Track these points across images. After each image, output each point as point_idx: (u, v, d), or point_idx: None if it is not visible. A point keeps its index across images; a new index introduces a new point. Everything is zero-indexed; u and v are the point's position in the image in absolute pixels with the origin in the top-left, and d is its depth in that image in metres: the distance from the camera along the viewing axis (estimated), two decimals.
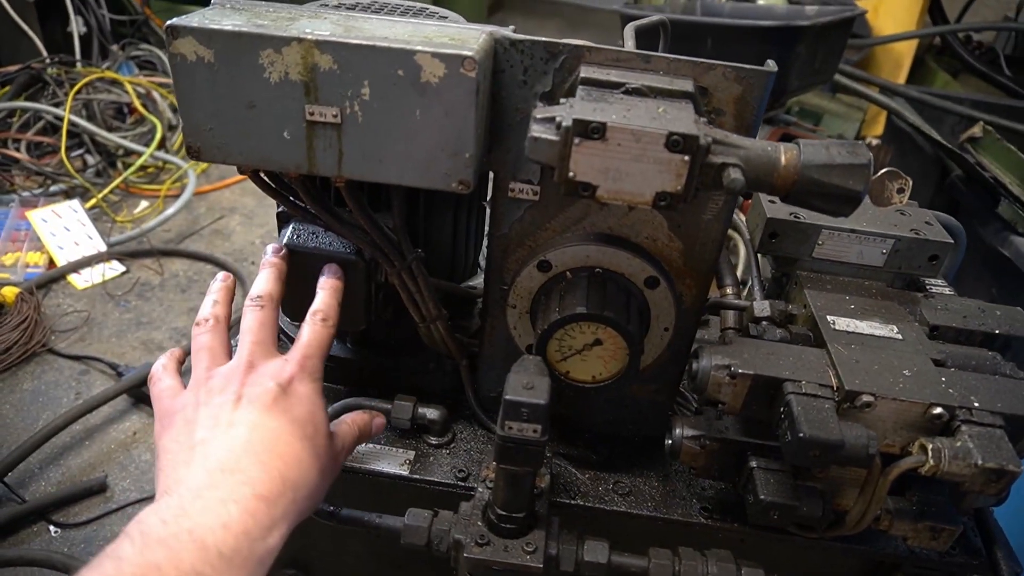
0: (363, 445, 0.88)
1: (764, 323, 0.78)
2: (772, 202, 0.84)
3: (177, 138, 2.61)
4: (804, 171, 0.60)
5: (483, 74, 0.63)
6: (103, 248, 2.05)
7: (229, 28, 0.62)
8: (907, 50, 3.29)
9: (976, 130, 1.96)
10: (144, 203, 2.33)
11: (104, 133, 2.44)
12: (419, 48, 0.61)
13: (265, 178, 0.74)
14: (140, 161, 2.36)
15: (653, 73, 0.66)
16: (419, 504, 0.79)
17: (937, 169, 2.17)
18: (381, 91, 0.63)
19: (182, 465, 0.60)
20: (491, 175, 0.77)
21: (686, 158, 0.58)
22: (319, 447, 0.66)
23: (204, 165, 2.57)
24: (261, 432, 0.62)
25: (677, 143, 0.58)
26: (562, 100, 0.64)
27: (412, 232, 0.86)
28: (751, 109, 0.67)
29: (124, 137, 2.49)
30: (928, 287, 0.86)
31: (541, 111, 0.62)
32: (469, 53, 0.60)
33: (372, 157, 0.66)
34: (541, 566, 0.70)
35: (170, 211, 2.16)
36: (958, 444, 0.63)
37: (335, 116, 0.64)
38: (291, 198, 0.76)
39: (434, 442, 0.88)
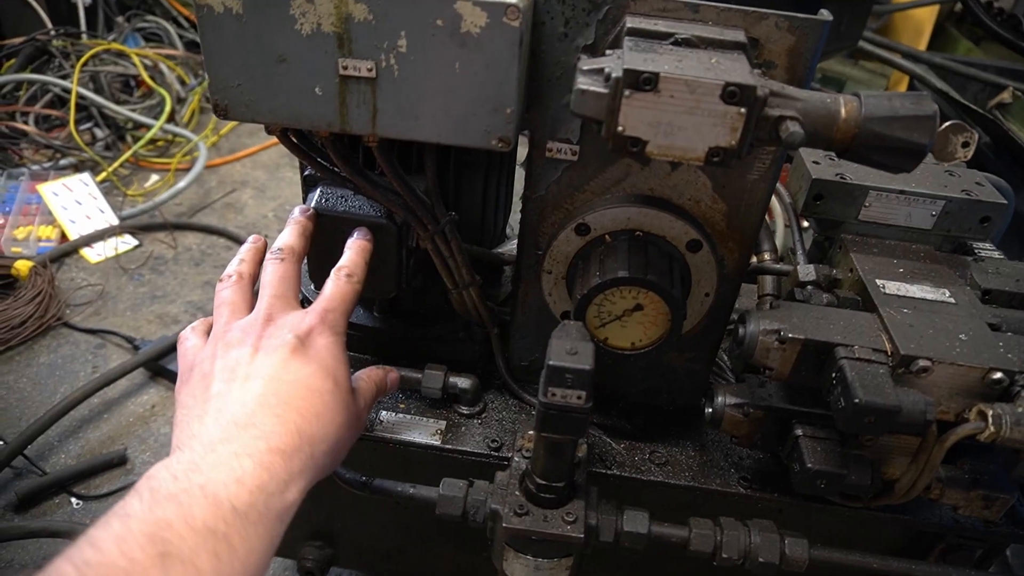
0: (393, 415, 0.86)
1: (809, 288, 0.76)
2: (816, 163, 0.80)
3: (186, 111, 2.57)
4: (865, 124, 0.57)
5: (526, 24, 0.59)
6: (115, 222, 2.03)
7: None
8: (928, 17, 3.21)
9: (1006, 96, 1.92)
10: (155, 177, 2.30)
11: (112, 106, 2.40)
12: None
13: (293, 138, 0.71)
14: (150, 134, 2.32)
15: (702, 23, 0.63)
16: (450, 474, 0.77)
17: None
18: (419, 43, 0.60)
19: (196, 419, 0.58)
20: (525, 136, 0.74)
21: (742, 110, 0.55)
22: (340, 402, 0.63)
23: (214, 138, 2.53)
24: (277, 385, 0.60)
25: (734, 94, 0.54)
26: (608, 52, 0.61)
27: (443, 195, 0.84)
28: (804, 61, 0.64)
29: (133, 110, 2.45)
30: (977, 251, 0.83)
31: (587, 63, 0.58)
32: (513, 1, 0.57)
33: (408, 114, 0.63)
34: (583, 536, 0.68)
35: (181, 184, 2.13)
36: (1020, 409, 0.61)
37: (370, 70, 0.61)
38: (320, 160, 0.73)
39: (465, 412, 0.87)
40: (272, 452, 0.55)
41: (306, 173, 0.81)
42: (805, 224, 0.89)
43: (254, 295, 0.71)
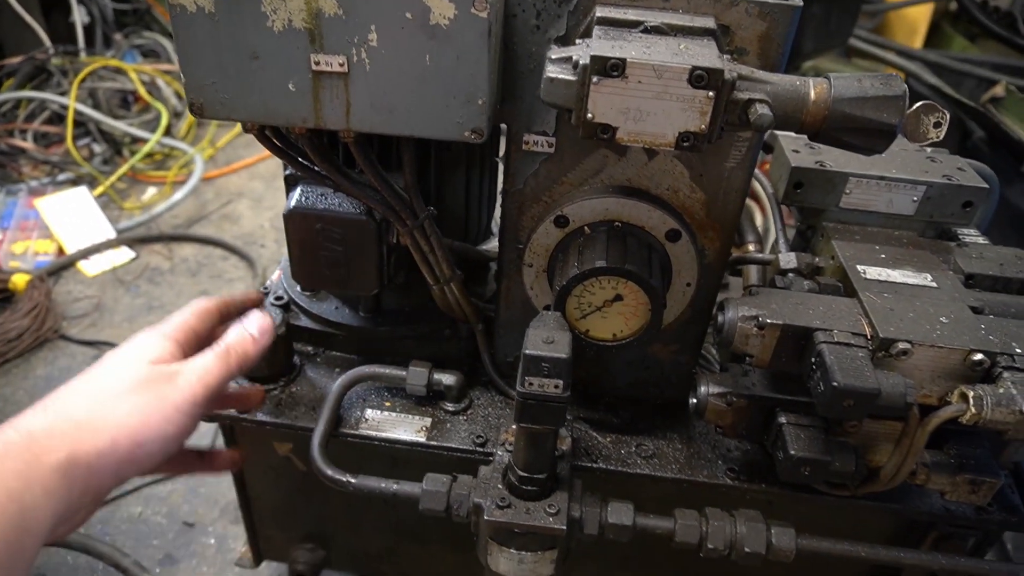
0: (379, 413, 0.86)
1: (791, 275, 0.76)
2: (796, 151, 0.80)
3: (183, 124, 2.59)
4: (835, 105, 0.57)
5: (495, 15, 0.60)
6: (112, 235, 2.04)
7: None
8: (922, 16, 3.21)
9: (999, 90, 1.91)
10: (152, 190, 2.31)
11: (110, 121, 2.42)
12: None
13: (271, 136, 0.72)
14: (147, 148, 2.34)
15: (672, 11, 0.63)
16: (437, 471, 0.77)
17: (958, 131, 2.12)
18: (389, 36, 0.60)
19: None
20: (503, 131, 0.74)
21: (710, 94, 0.55)
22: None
23: (211, 151, 2.54)
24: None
25: (701, 78, 0.55)
26: (578, 41, 0.61)
27: (424, 193, 0.84)
28: (776, 47, 0.64)
29: (130, 124, 2.47)
30: (961, 236, 0.83)
31: (556, 52, 0.59)
32: None
33: (381, 107, 0.64)
34: (564, 527, 0.68)
35: (177, 196, 2.14)
36: (1000, 391, 0.61)
37: (342, 65, 0.62)
38: (299, 158, 0.74)
39: (451, 408, 0.86)
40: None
41: (287, 172, 0.81)
42: (789, 214, 0.89)
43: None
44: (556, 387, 0.62)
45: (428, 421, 0.85)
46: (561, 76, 0.57)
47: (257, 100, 0.65)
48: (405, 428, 0.85)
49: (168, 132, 2.48)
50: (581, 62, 0.56)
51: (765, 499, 0.83)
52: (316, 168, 0.73)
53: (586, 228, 0.74)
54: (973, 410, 0.61)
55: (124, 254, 2.00)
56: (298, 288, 0.90)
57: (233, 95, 0.65)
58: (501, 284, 0.83)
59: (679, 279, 0.76)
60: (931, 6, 3.20)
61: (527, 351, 0.62)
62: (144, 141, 2.41)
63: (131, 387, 0.57)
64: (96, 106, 2.52)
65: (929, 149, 0.87)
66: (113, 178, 2.27)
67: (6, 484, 0.48)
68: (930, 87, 2.09)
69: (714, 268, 0.77)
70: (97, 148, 2.44)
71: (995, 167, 1.89)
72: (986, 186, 0.77)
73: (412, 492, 0.76)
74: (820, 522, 0.86)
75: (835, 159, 0.79)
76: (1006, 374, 0.62)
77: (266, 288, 1.02)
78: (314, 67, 0.62)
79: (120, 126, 2.43)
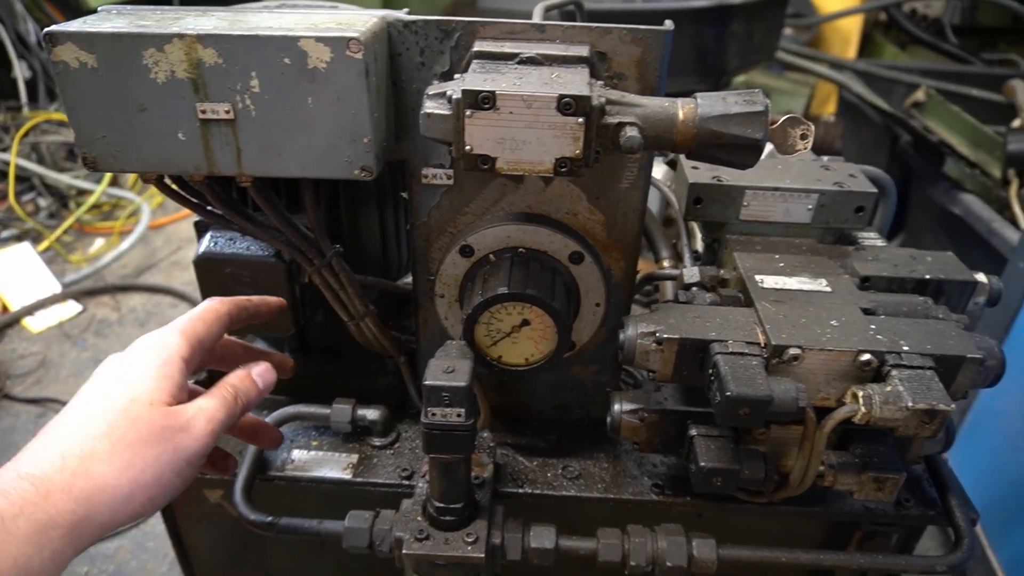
0: (306, 453, 0.86)
1: (694, 288, 0.77)
2: (695, 168, 0.83)
3: (131, 174, 2.59)
4: (703, 124, 0.59)
5: (372, 56, 0.61)
6: (57, 289, 2.02)
7: (108, 30, 0.61)
8: (854, 27, 3.33)
9: (919, 95, 1.98)
10: (99, 241, 2.30)
11: (54, 175, 2.40)
12: (302, 34, 0.59)
13: (172, 185, 0.72)
14: (92, 199, 2.33)
15: (549, 42, 0.66)
16: (367, 507, 0.77)
17: (888, 137, 2.19)
18: (270, 82, 0.61)
19: None
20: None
21: (580, 120, 0.57)
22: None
23: (160, 199, 2.53)
24: None
25: (569, 105, 0.57)
26: (456, 76, 0.63)
27: (338, 230, 0.85)
28: (653, 70, 0.66)
29: (75, 177, 2.46)
30: (860, 240, 0.85)
31: (433, 87, 0.60)
32: (353, 35, 0.59)
33: (271, 151, 0.65)
34: (482, 555, 0.68)
35: (124, 246, 2.13)
36: (888, 389, 0.62)
37: (227, 112, 0.63)
38: (203, 204, 0.74)
39: (378, 443, 0.86)
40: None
41: (197, 219, 0.81)
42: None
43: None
44: (459, 416, 0.63)
45: (355, 458, 0.85)
46: (437, 111, 0.59)
47: (149, 151, 0.65)
48: (332, 466, 0.84)
49: (114, 182, 2.47)
50: (454, 96, 0.57)
51: (694, 512, 0.84)
52: (220, 212, 0.73)
53: (491, 256, 0.75)
54: (863, 409, 0.62)
55: (70, 308, 1.98)
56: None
57: (124, 147, 0.65)
58: (418, 316, 0.83)
59: (588, 300, 0.78)
60: (862, 17, 3.32)
61: (426, 382, 0.63)
62: (90, 193, 2.39)
63: (146, 437, 0.55)
64: (40, 160, 2.50)
65: (825, 158, 0.90)
66: (58, 232, 2.25)
67: (17, 550, 0.47)
68: (858, 97, 2.16)
69: (622, 287, 0.79)
70: (42, 202, 2.42)
71: (920, 169, 1.96)
72: (874, 191, 0.80)
73: (336, 530, 0.75)
74: (752, 531, 0.88)
75: (731, 173, 0.81)
76: (894, 372, 0.63)
77: None
78: (201, 115, 0.63)
79: (64, 179, 2.41)
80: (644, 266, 0.88)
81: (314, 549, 0.97)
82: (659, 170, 1.20)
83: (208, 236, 0.78)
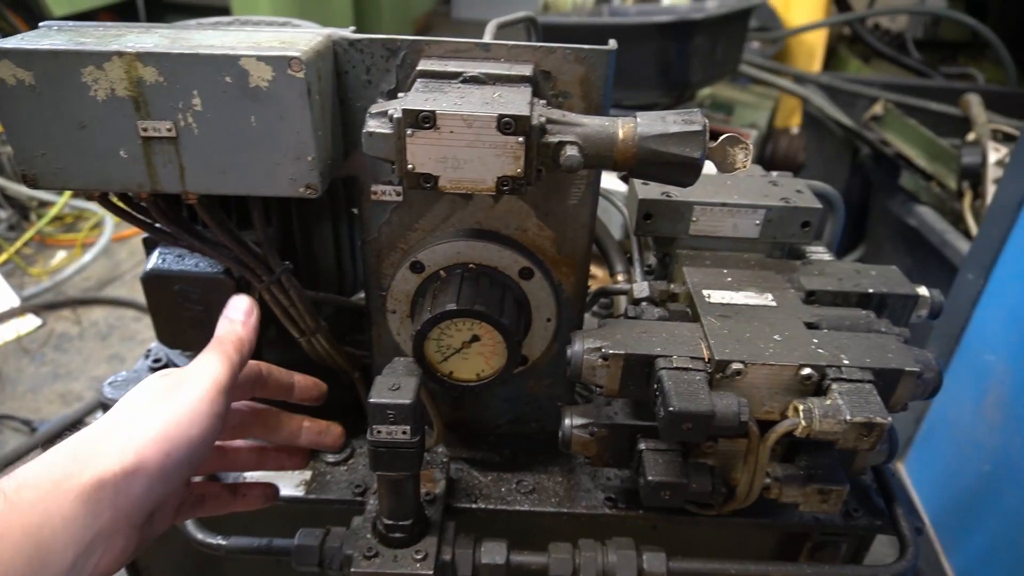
0: (257, 472, 0.85)
1: (643, 304, 0.78)
2: (645, 184, 0.84)
3: None
4: (642, 143, 0.60)
5: (315, 74, 0.61)
6: (16, 303, 1.98)
7: (46, 47, 0.60)
8: (819, 41, 3.39)
9: (878, 108, 2.02)
10: (62, 253, 2.26)
11: (14, 186, 2.36)
12: (244, 53, 0.59)
13: (117, 202, 0.72)
14: (54, 211, 2.29)
15: (494, 61, 0.66)
16: (322, 524, 0.76)
17: (849, 150, 2.23)
18: (212, 100, 0.61)
19: None
20: None
21: (520, 140, 0.58)
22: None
23: None
24: None
25: (509, 125, 0.57)
26: (400, 95, 0.63)
27: (291, 246, 0.84)
28: (597, 89, 0.67)
29: None
30: (808, 255, 0.87)
31: (376, 107, 0.61)
32: (295, 54, 0.59)
33: (214, 169, 0.64)
34: (431, 572, 0.68)
35: (86, 258, 2.10)
36: (828, 402, 0.64)
37: (169, 130, 0.62)
38: (148, 221, 0.74)
39: (331, 460, 0.86)
40: None
41: (145, 236, 0.81)
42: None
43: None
44: (404, 433, 0.63)
45: (308, 474, 0.85)
46: (379, 130, 0.59)
47: (90, 168, 0.65)
48: (285, 483, 0.84)
49: (77, 194, 2.44)
50: (395, 116, 0.58)
51: (648, 525, 0.84)
52: (166, 229, 0.73)
53: (442, 272, 0.75)
54: (804, 423, 0.63)
55: (30, 322, 1.95)
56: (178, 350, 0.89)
57: (65, 165, 0.65)
58: (371, 332, 0.83)
59: (539, 315, 0.78)
60: (827, 31, 3.39)
61: (371, 400, 0.63)
62: (52, 204, 2.36)
63: (147, 403, 0.56)
64: (0, 171, 2.46)
65: (775, 174, 0.92)
66: (18, 244, 2.21)
67: (23, 519, 0.46)
68: (819, 109, 2.20)
69: (573, 302, 0.80)
70: (2, 214, 2.38)
71: (879, 181, 2.00)
72: (819, 207, 0.81)
73: (286, 548, 0.75)
74: (707, 543, 0.89)
75: (680, 189, 0.82)
76: (834, 385, 0.65)
77: (149, 351, 1.01)
78: (143, 133, 0.62)
79: (25, 190, 2.37)
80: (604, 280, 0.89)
81: (272, 568, 0.96)
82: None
83: (156, 252, 0.78)
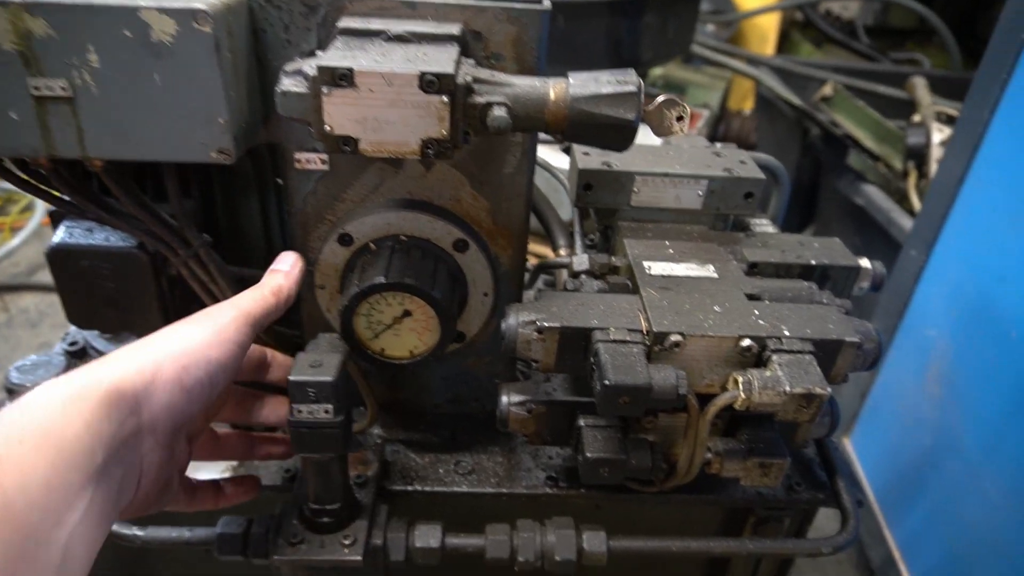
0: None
1: (582, 276, 0.76)
2: (586, 153, 0.81)
3: None
4: (574, 104, 0.57)
5: (224, 30, 0.57)
6: None
7: None
8: (772, 25, 3.42)
9: (827, 89, 2.04)
10: None
11: None
12: (143, 4, 0.55)
13: (16, 170, 0.66)
14: None
15: (420, 20, 0.62)
16: (251, 511, 0.72)
17: (799, 131, 2.24)
18: (111, 56, 0.56)
19: None
20: None
21: (444, 99, 0.54)
22: None
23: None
24: None
25: (432, 84, 0.54)
26: (317, 53, 0.59)
27: (214, 219, 0.80)
28: (530, 51, 0.64)
29: None
30: (752, 227, 0.86)
31: (290, 65, 0.57)
32: (200, 6, 0.55)
33: (117, 132, 0.60)
34: (360, 558, 0.65)
35: (15, 242, 1.99)
36: (767, 374, 0.62)
37: (64, 89, 0.57)
38: (51, 191, 0.68)
39: None
40: None
41: (51, 209, 0.75)
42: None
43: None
44: (326, 412, 0.60)
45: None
46: (294, 89, 0.55)
47: None
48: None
49: None
50: (310, 74, 0.54)
51: (591, 504, 0.82)
52: (72, 200, 0.67)
53: (371, 245, 0.72)
54: (743, 395, 0.62)
55: None
56: (73, 329, 0.84)
57: None
58: (301, 309, 0.79)
59: (475, 289, 0.75)
60: (780, 15, 3.41)
61: (290, 377, 0.59)
62: None
63: (172, 326, 0.56)
64: None
65: (719, 145, 0.90)
66: None
67: (42, 423, 0.44)
68: (772, 90, 2.21)
69: (511, 276, 0.77)
70: None
71: (828, 161, 2.01)
72: (762, 177, 0.80)
73: (207, 538, 0.71)
74: (651, 520, 0.87)
75: (621, 159, 0.80)
76: (774, 357, 0.63)
77: (67, 334, 0.96)
78: (34, 92, 0.57)
79: None
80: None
81: (205, 559, 0.92)
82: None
83: (63, 226, 0.72)
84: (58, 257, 0.72)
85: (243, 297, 0.61)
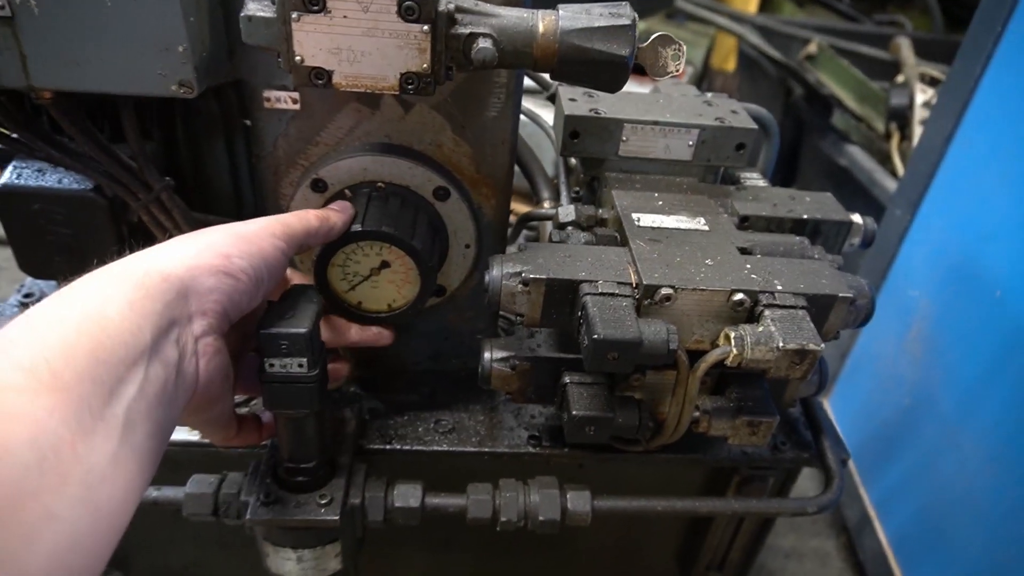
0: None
1: (569, 228, 0.72)
2: (573, 100, 0.77)
3: None
4: (564, 38, 0.53)
5: None
6: None
7: None
8: None
9: (812, 48, 2.00)
10: None
11: None
12: None
13: None
14: None
15: None
16: (219, 471, 0.69)
17: (783, 90, 2.21)
18: None
19: None
20: None
21: (425, 28, 0.50)
22: None
23: None
24: None
25: (412, 10, 0.49)
26: None
27: (178, 164, 0.75)
28: None
29: None
30: (743, 180, 0.83)
31: None
32: None
33: (64, 60, 0.54)
34: (336, 518, 0.62)
35: None
36: (760, 329, 0.60)
37: (3, 8, 0.52)
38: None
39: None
40: None
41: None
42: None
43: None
44: (300, 366, 0.56)
45: None
46: (260, 14, 0.50)
47: None
48: (178, 430, 0.76)
49: None
50: None
51: (574, 463, 0.80)
52: (18, 137, 0.62)
53: (347, 191, 0.68)
54: (735, 351, 0.59)
55: None
56: (28, 280, 0.79)
57: None
58: None
59: (457, 241, 0.72)
60: None
61: (261, 329, 0.55)
62: None
63: (208, 228, 0.54)
64: None
65: (709, 94, 0.87)
66: None
67: (82, 304, 0.43)
68: (755, 48, 2.17)
69: (494, 227, 0.73)
70: None
71: (811, 121, 1.98)
72: (755, 127, 0.77)
73: (175, 497, 0.68)
74: (634, 480, 0.86)
75: (610, 106, 0.76)
76: (767, 312, 0.61)
77: (22, 285, 0.90)
78: None
79: None
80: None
81: (164, 520, 0.89)
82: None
83: (10, 167, 0.67)
84: (6, 200, 0.66)
85: (285, 215, 0.59)
